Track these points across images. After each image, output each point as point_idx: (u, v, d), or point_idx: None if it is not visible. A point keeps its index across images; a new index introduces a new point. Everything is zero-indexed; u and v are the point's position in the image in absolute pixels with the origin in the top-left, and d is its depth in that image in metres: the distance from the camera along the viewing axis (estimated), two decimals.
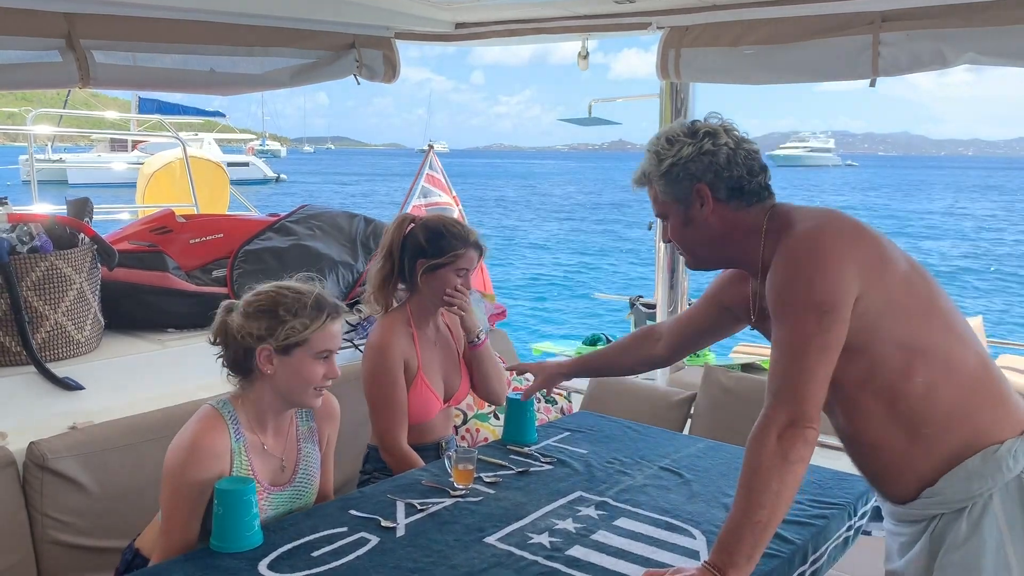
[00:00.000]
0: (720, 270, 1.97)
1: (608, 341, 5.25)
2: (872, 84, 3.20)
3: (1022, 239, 29.54)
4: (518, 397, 2.54)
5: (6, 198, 2.99)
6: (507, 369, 2.63)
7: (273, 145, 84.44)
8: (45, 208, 4.50)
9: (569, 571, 1.69)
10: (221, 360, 1.97)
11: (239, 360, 1.93)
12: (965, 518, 1.57)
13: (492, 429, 3.36)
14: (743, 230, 1.71)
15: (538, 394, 3.55)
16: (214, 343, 1.97)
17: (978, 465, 1.56)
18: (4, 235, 2.80)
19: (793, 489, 1.54)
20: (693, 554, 1.77)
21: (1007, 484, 1.55)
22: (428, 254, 2.45)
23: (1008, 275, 21.10)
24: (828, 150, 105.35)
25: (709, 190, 1.69)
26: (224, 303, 1.98)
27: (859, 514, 2.09)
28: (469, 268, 2.48)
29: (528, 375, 2.69)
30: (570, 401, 3.62)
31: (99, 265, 3.03)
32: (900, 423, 1.61)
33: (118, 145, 31.65)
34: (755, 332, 2.05)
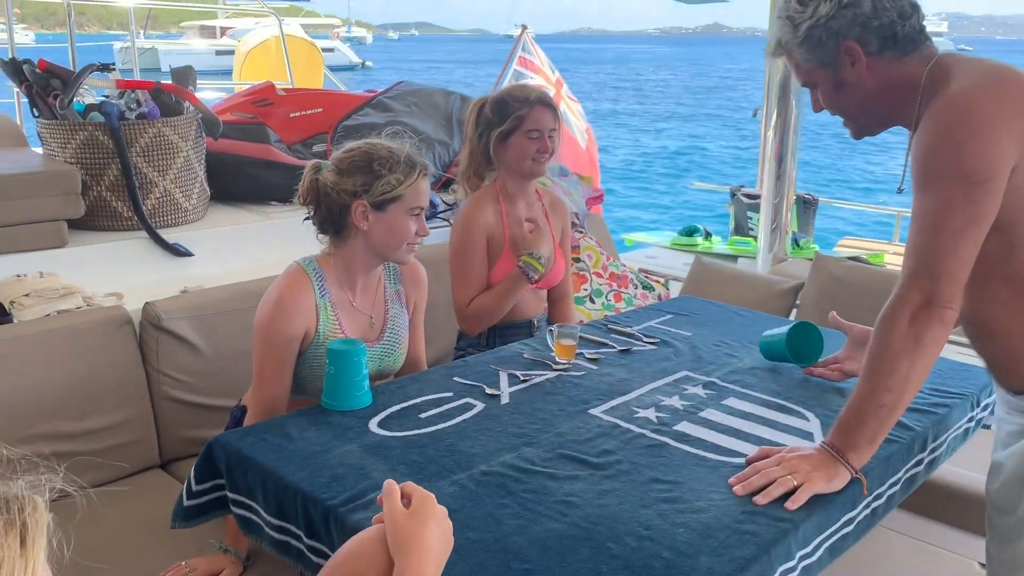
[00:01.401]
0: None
1: (706, 233, 5.12)
2: None
3: None
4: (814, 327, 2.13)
5: (113, 64, 3.02)
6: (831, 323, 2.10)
7: (359, 31, 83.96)
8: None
9: (678, 445, 1.66)
10: (311, 220, 1.98)
11: (333, 217, 1.94)
12: None
13: (587, 312, 3.34)
14: (902, 85, 1.51)
15: (635, 278, 3.50)
16: (304, 203, 1.97)
17: None
18: (113, 101, 2.84)
19: (923, 373, 1.44)
20: (807, 435, 1.72)
21: None
22: (496, 125, 2.42)
23: None
24: (939, 34, 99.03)
25: (859, 45, 1.49)
26: (311, 163, 1.98)
27: (981, 406, 2.00)
28: (541, 129, 2.40)
29: None
30: (668, 288, 3.55)
31: (204, 135, 3.06)
32: None
33: (207, 31, 32.03)
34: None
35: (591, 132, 5.11)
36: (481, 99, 2.52)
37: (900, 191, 1.65)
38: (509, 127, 2.41)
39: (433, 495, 1.16)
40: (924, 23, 1.53)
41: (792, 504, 1.42)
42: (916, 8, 1.51)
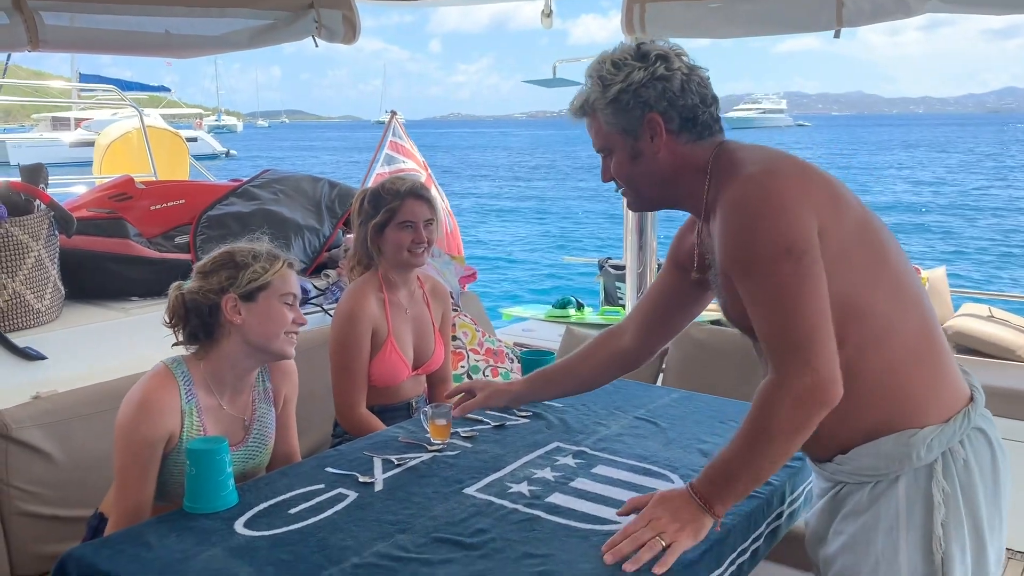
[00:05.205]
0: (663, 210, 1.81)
1: (578, 304, 5.25)
2: (836, 35, 3.20)
3: (974, 192, 30.06)
4: (533, 355, 2.49)
5: None
6: (448, 395, 2.32)
7: (229, 120, 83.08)
8: None
9: (550, 517, 1.69)
10: (179, 339, 1.95)
11: (204, 322, 1.91)
12: (867, 492, 1.51)
13: None
14: (692, 167, 1.55)
15: (510, 353, 3.55)
16: (171, 323, 1.94)
17: (889, 447, 1.47)
18: None
19: (797, 448, 1.44)
20: None
21: (916, 471, 1.46)
22: (371, 217, 2.47)
23: (962, 228, 21.53)
24: (780, 111, 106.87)
25: (662, 120, 1.52)
26: (173, 285, 1.96)
27: None
28: (414, 220, 2.45)
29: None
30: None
31: (57, 232, 2.95)
32: None
33: (60, 124, 30.80)
34: None
35: (451, 214, 5.22)
36: (363, 190, 2.57)
37: (694, 279, 1.73)
38: (382, 219, 2.45)
39: None
40: (721, 115, 1.59)
41: (660, 568, 1.45)
42: (716, 100, 1.58)
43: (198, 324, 1.92)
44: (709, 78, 1.57)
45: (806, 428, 1.41)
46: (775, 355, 1.42)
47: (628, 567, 1.46)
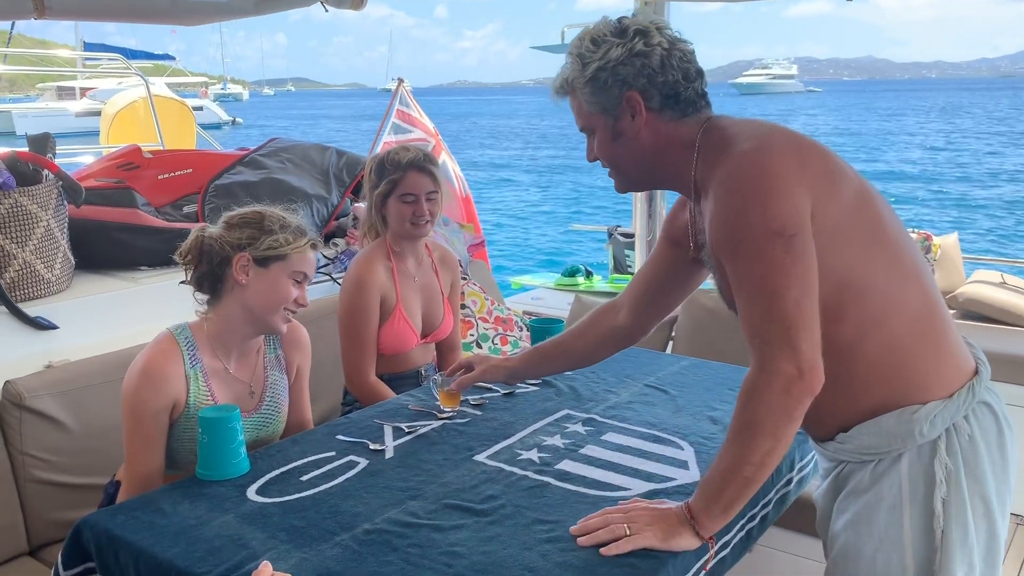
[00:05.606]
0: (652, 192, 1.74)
1: (587, 272, 5.25)
2: None
3: (988, 159, 29.76)
4: (542, 323, 2.52)
5: None
6: (448, 372, 2.15)
7: (235, 88, 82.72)
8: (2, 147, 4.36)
9: (560, 484, 1.70)
10: (188, 278, 1.95)
11: (213, 271, 1.91)
12: (870, 470, 1.47)
13: None
14: (677, 145, 1.50)
15: (520, 321, 3.56)
16: (183, 261, 1.94)
17: (891, 424, 1.43)
18: None
19: (787, 445, 1.37)
20: (682, 464, 1.79)
21: (919, 447, 1.42)
22: (376, 186, 2.46)
23: (973, 195, 21.34)
24: (790, 76, 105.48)
25: (641, 98, 1.47)
26: (198, 225, 1.97)
27: None
28: (416, 193, 2.43)
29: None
30: None
31: (65, 202, 2.95)
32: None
33: (65, 93, 30.76)
34: None
35: (464, 181, 5.17)
36: (373, 157, 2.56)
37: (692, 258, 1.70)
38: (385, 190, 2.45)
39: None
40: (706, 89, 1.53)
41: (605, 551, 1.42)
42: (701, 74, 1.52)
43: (206, 271, 1.92)
44: (693, 52, 1.51)
45: (793, 419, 1.36)
46: (758, 340, 1.37)
47: (583, 541, 1.46)
